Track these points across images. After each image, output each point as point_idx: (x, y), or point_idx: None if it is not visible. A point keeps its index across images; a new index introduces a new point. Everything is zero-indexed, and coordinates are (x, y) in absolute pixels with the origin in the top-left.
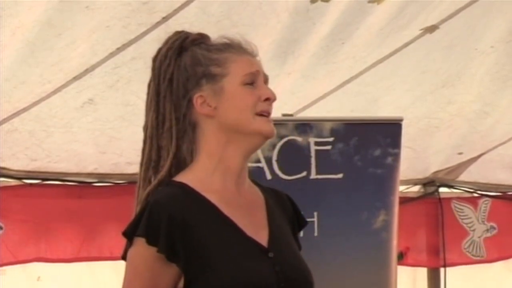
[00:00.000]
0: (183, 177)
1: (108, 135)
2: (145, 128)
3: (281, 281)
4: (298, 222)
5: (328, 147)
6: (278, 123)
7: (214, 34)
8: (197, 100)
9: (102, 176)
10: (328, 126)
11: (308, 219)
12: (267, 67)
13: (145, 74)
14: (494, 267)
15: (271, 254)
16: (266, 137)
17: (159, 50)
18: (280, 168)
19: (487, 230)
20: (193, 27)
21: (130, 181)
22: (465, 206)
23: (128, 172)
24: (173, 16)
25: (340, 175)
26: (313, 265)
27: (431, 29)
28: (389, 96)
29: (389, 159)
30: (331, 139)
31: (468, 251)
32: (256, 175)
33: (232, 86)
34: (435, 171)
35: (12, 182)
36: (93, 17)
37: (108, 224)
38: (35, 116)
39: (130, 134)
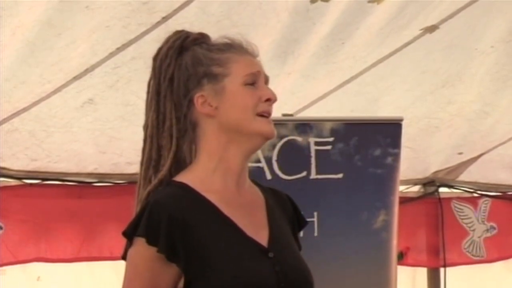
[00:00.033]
0: (183, 177)
1: (108, 135)
2: (145, 127)
3: (281, 281)
4: (298, 222)
5: (328, 147)
6: (278, 123)
7: (214, 34)
8: (198, 99)
9: (102, 176)
10: (328, 126)
11: (308, 219)
12: (267, 67)
13: (145, 74)
14: (494, 267)
15: (271, 254)
16: (267, 138)
17: (160, 49)
18: (280, 168)
19: (487, 230)
20: (193, 27)
21: (130, 181)
22: (465, 206)
23: (128, 172)
24: (173, 16)
25: (340, 175)
26: (313, 265)
27: (431, 29)
28: (389, 96)
29: (389, 159)
30: (331, 139)
31: (468, 251)
32: (256, 175)
33: (234, 86)
34: (435, 171)
35: (12, 182)
36: (93, 17)
37: (108, 224)
38: (35, 116)
39: (130, 134)
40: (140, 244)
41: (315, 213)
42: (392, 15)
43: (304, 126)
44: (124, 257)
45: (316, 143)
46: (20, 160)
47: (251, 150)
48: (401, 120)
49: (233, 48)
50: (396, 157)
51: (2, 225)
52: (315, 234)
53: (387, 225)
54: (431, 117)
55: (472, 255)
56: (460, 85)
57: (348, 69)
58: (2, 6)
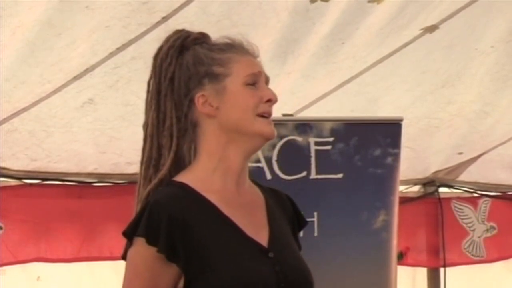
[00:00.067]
0: (183, 177)
1: (108, 135)
2: (145, 127)
3: (281, 281)
4: (298, 222)
5: (328, 147)
6: (278, 123)
7: (214, 34)
8: (199, 99)
9: (102, 176)
10: (328, 126)
11: (308, 219)
12: (267, 67)
13: (145, 74)
14: (494, 267)
15: (271, 254)
16: (267, 138)
17: (160, 48)
18: (280, 168)
19: (487, 230)
20: (193, 27)
21: (130, 181)
22: (465, 206)
23: (128, 172)
24: (173, 16)
25: (340, 175)
26: (313, 265)
27: (431, 29)
28: (389, 96)
29: (389, 159)
30: (331, 139)
31: (468, 251)
32: (256, 175)
33: (235, 86)
34: (435, 171)
35: (12, 182)
36: (93, 17)
37: (108, 224)
38: (35, 116)
39: (130, 134)
40: (140, 244)
41: (315, 213)
42: (392, 15)
43: (304, 126)
44: (124, 257)
45: (316, 143)
46: (20, 160)
47: (251, 151)
48: (401, 120)
49: (234, 48)
50: (396, 157)
51: (2, 225)
52: (315, 234)
53: (387, 225)
54: (431, 117)
55: (472, 255)
56: (460, 85)
57: (348, 69)
58: (2, 6)
